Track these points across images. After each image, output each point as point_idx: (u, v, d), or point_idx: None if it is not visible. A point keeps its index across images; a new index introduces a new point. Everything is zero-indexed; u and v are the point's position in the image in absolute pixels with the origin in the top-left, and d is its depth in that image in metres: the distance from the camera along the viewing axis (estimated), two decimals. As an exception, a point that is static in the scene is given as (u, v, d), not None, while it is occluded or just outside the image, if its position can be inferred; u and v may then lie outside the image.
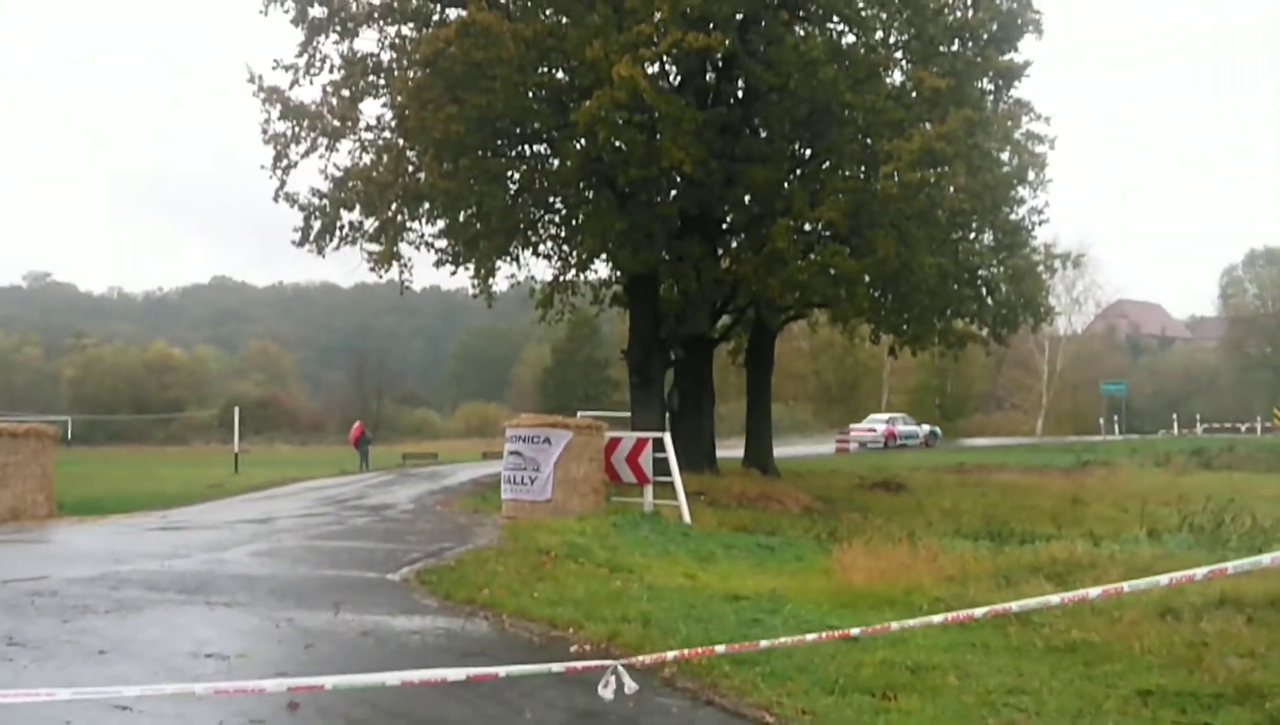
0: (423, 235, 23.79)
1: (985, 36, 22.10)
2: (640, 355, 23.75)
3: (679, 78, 22.92)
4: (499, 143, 22.68)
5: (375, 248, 22.67)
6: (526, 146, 23.68)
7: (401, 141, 22.03)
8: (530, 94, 21.23)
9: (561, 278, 26.01)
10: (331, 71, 21.97)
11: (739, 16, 20.69)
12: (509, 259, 24.66)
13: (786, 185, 22.24)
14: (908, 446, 48.96)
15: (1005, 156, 25.75)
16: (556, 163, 22.61)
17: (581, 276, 26.01)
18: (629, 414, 24.56)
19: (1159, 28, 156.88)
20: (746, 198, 23.09)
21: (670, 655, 5.29)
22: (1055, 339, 68.00)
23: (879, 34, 22.18)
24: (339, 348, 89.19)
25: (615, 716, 5.81)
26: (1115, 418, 60.85)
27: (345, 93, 21.83)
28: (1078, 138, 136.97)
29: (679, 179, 21.62)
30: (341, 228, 22.93)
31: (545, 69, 21.46)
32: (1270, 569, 5.25)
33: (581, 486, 15.31)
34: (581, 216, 23.61)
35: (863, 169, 22.35)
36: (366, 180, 21.81)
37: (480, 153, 21.50)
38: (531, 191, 23.58)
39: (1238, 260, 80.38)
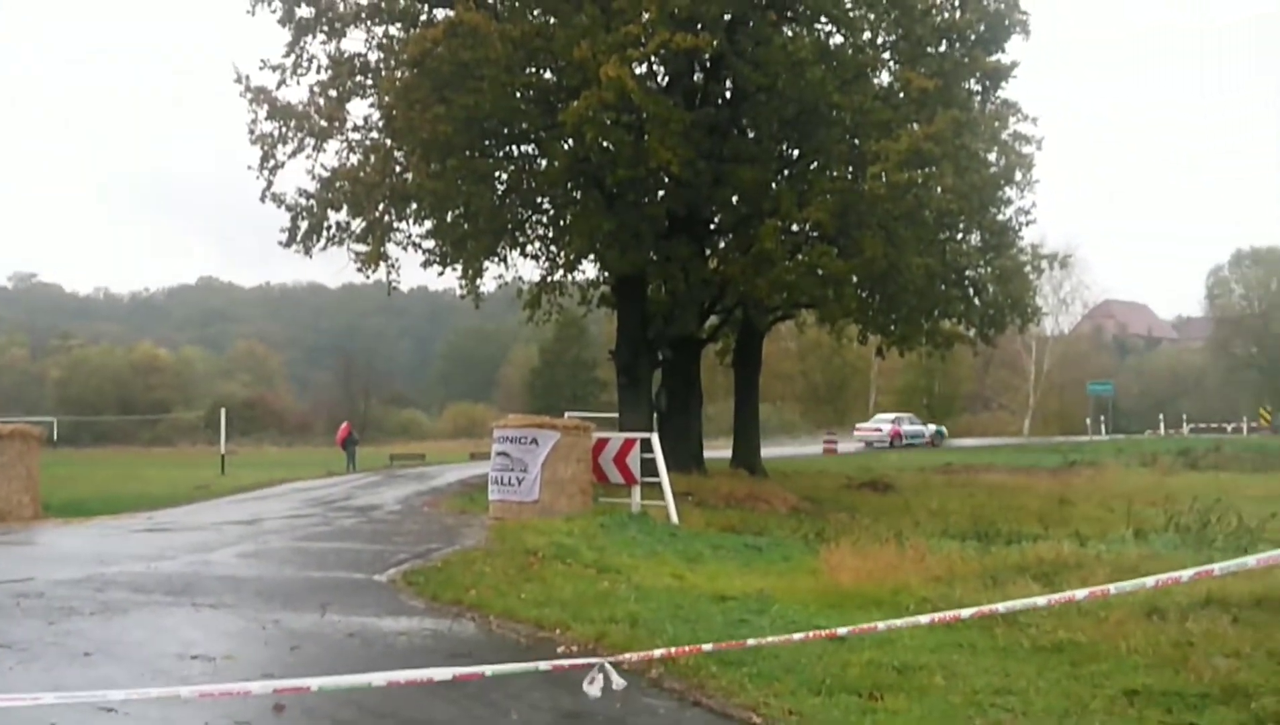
0: (410, 236, 23.76)
1: (973, 37, 22.13)
2: (628, 356, 23.73)
3: (667, 78, 22.89)
4: (486, 143, 22.63)
5: (362, 248, 22.60)
6: (514, 147, 23.62)
7: (389, 142, 21.96)
8: (518, 94, 21.19)
9: (549, 278, 26.04)
10: (319, 72, 21.90)
11: (727, 17, 20.69)
12: (497, 259, 24.65)
13: (774, 186, 22.30)
14: (914, 445, 49.09)
15: (993, 157, 25.86)
16: (544, 163, 22.57)
17: (569, 277, 26.09)
18: (616, 414, 24.50)
19: (1146, 29, 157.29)
20: (734, 198, 23.08)
21: (657, 654, 5.29)
22: (1042, 339, 68.27)
23: (867, 34, 22.22)
24: (326, 348, 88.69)
25: (602, 717, 5.81)
26: (1102, 418, 61.12)
27: (333, 93, 21.78)
28: (1065, 138, 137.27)
29: (667, 179, 21.58)
30: (329, 228, 22.87)
31: (533, 69, 21.43)
32: (1256, 570, 5.27)
33: (569, 487, 15.28)
34: (569, 217, 23.60)
35: (850, 169, 22.36)
36: (354, 180, 21.74)
37: (468, 153, 21.45)
38: (519, 192, 23.55)
39: (1224, 261, 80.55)
